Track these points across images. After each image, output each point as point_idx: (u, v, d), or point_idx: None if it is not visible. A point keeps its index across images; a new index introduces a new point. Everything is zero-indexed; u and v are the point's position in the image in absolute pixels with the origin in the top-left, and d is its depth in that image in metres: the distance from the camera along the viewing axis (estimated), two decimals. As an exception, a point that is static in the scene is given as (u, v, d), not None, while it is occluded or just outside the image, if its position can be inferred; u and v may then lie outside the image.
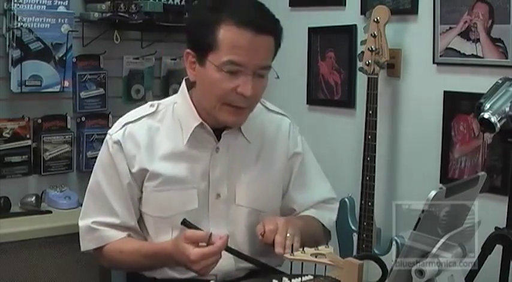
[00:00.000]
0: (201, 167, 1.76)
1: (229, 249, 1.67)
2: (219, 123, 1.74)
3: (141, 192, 1.77)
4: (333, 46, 2.80)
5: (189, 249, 1.58)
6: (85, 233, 1.79)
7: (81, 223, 1.80)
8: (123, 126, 1.77)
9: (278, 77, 1.74)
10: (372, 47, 2.42)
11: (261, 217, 1.78)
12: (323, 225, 1.91)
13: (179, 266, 1.68)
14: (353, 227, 2.52)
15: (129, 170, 1.75)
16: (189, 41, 1.74)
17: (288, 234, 1.64)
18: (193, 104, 1.77)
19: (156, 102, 1.83)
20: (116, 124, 1.81)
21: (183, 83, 1.81)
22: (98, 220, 1.77)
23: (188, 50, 1.72)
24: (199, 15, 1.72)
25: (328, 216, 1.93)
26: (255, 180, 1.81)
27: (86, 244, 1.80)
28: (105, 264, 1.90)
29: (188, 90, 1.79)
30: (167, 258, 1.68)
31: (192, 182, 1.75)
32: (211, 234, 1.60)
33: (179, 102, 1.80)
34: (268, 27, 1.67)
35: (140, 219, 1.81)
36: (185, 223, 1.68)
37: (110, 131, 1.80)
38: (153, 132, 1.77)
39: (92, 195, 1.81)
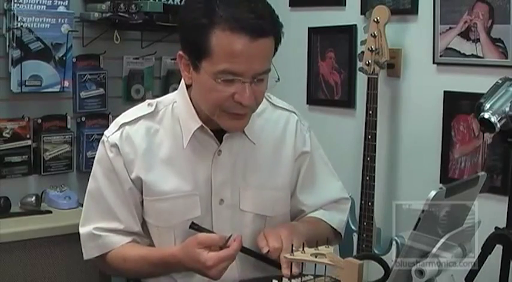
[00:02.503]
0: (203, 172, 1.66)
1: (244, 250, 1.60)
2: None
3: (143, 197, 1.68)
4: (333, 46, 2.80)
5: (203, 255, 1.51)
6: (87, 240, 1.69)
7: (83, 230, 1.70)
8: (120, 127, 1.68)
9: (279, 80, 1.62)
10: (372, 47, 2.42)
11: (267, 222, 1.71)
12: (332, 227, 1.80)
13: (190, 271, 1.60)
14: (353, 227, 2.52)
15: (129, 175, 1.65)
16: (181, 43, 1.59)
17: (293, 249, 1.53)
18: (193, 104, 1.66)
19: (154, 101, 1.72)
20: (112, 124, 1.71)
21: (182, 81, 1.68)
22: (100, 226, 1.67)
23: (181, 53, 1.59)
24: (191, 17, 1.54)
25: (339, 218, 1.82)
26: (260, 184, 1.71)
27: (89, 252, 1.70)
28: (110, 273, 1.83)
29: (187, 88, 1.68)
30: (176, 265, 1.60)
31: (193, 189, 1.65)
32: (230, 236, 1.53)
33: (179, 101, 1.69)
34: (267, 28, 1.50)
35: (144, 227, 1.72)
36: (194, 227, 1.60)
37: (106, 132, 1.70)
38: (151, 135, 1.67)
39: (93, 200, 1.70)
